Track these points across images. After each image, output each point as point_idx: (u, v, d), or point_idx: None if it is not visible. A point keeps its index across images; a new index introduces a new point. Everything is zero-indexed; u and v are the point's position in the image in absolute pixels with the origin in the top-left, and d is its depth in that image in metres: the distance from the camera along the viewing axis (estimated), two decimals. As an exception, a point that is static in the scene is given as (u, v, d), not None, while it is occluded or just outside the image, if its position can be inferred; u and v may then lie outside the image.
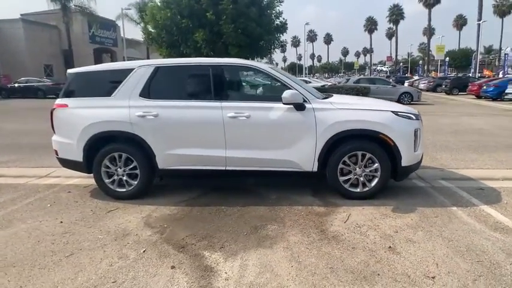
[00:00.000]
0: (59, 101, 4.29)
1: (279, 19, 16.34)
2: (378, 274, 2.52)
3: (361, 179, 3.98)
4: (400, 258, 2.73)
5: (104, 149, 4.12)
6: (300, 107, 3.88)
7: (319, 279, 2.48)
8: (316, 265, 2.66)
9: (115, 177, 4.19)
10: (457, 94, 25.02)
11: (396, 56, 72.11)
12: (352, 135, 3.90)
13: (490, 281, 2.40)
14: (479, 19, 38.39)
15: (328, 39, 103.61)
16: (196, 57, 16.66)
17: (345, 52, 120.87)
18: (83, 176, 5.05)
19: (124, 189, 4.20)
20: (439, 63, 52.31)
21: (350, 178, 3.99)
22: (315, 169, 3.98)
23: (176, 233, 3.28)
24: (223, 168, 4.08)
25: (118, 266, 2.72)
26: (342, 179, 3.99)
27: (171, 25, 15.13)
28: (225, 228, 3.36)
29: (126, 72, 4.18)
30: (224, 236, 3.21)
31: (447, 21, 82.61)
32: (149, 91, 4.11)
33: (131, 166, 4.14)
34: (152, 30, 16.77)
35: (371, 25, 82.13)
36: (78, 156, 4.17)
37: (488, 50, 76.54)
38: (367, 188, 3.99)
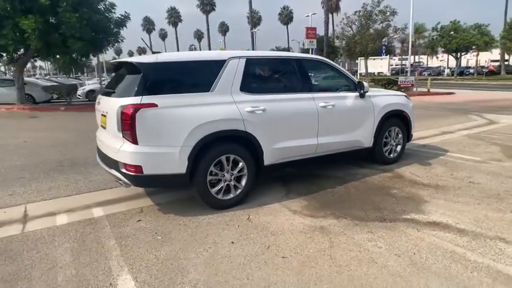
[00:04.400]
0: (136, 100, 3.19)
1: (112, 12, 14.78)
2: (498, 194, 3.90)
3: (394, 148, 5.26)
4: (489, 184, 4.21)
5: (210, 153, 3.51)
6: (363, 95, 4.70)
7: (484, 206, 3.59)
8: (468, 201, 3.74)
9: (222, 184, 3.64)
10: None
11: (179, 56, 76.36)
12: (391, 115, 5.08)
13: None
14: (251, 28, 46.82)
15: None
16: (18, 50, 13.00)
17: (118, 51, 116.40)
18: (89, 203, 4.04)
19: (231, 196, 3.72)
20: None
21: (388, 148, 5.19)
22: (371, 145, 4.92)
23: (353, 215, 3.51)
24: (313, 155, 4.35)
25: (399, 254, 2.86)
26: (384, 149, 5.13)
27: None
28: (368, 201, 3.85)
29: (218, 63, 3.67)
30: (378, 208, 3.73)
31: (215, 26, 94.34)
32: (247, 85, 3.80)
33: (239, 168, 3.72)
34: None
35: (149, 25, 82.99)
36: (180, 168, 3.36)
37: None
38: (396, 154, 5.31)
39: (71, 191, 4.43)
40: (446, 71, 47.46)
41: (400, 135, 5.29)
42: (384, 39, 22.18)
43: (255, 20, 78.70)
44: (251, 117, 3.68)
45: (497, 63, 44.07)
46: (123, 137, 3.26)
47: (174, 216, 3.57)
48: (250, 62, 3.87)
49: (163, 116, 3.27)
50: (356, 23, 17.99)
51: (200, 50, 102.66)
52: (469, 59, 49.36)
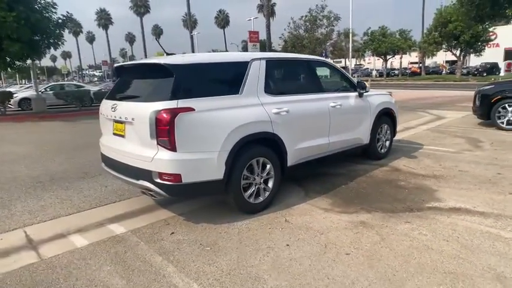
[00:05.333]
0: (172, 104, 2.98)
1: (53, 12, 13.50)
2: (489, 179, 4.40)
3: (384, 143, 5.62)
4: (476, 171, 4.72)
5: (244, 156, 3.42)
6: (362, 94, 4.96)
7: (485, 191, 4.04)
8: (469, 187, 4.17)
9: (253, 188, 3.58)
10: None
11: (111, 59, 72.07)
12: (382, 113, 5.42)
13: None
14: (190, 31, 46.03)
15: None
16: None
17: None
18: (100, 220, 3.78)
19: (261, 199, 3.68)
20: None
21: (380, 144, 5.53)
22: (368, 141, 5.21)
23: (382, 208, 3.69)
24: (324, 155, 4.48)
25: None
26: (377, 145, 5.46)
27: None
28: (386, 194, 4.09)
29: (243, 65, 3.62)
30: (398, 200, 3.98)
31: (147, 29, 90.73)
32: (270, 86, 3.80)
33: (267, 171, 3.69)
34: None
35: (75, 27, 76.97)
36: (218, 174, 3.23)
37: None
38: (386, 149, 5.69)
39: (70, 209, 3.98)
40: (374, 72, 51.69)
41: (388, 132, 5.68)
42: (328, 43, 23.71)
43: (222, 22, 77.54)
44: (277, 118, 3.67)
45: (416, 65, 49.25)
46: (158, 144, 3.03)
47: (207, 225, 3.41)
48: (269, 64, 3.86)
49: (201, 120, 3.12)
50: (302, 27, 18.95)
51: (132, 54, 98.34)
52: (392, 61, 54.36)
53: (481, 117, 8.18)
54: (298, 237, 3.08)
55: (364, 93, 5.02)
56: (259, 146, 3.58)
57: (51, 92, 17.17)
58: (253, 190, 3.58)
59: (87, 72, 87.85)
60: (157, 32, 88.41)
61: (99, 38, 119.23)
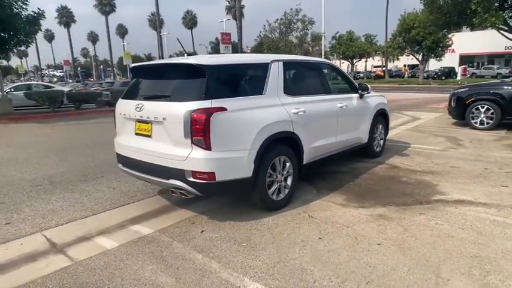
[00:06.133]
0: (206, 103, 3.04)
1: (24, 8, 12.84)
2: (480, 174, 4.82)
3: (379, 142, 5.94)
4: (467, 167, 5.12)
5: (269, 155, 3.54)
6: (362, 96, 5.23)
7: (480, 184, 4.42)
8: (465, 181, 4.54)
9: (275, 185, 3.70)
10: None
11: (73, 59, 68.92)
12: (378, 114, 5.73)
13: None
14: (159, 32, 45.09)
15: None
16: None
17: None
18: (120, 222, 3.70)
19: (282, 196, 3.80)
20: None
21: (375, 143, 5.84)
22: (367, 140, 5.49)
23: (394, 202, 3.94)
24: (332, 153, 4.68)
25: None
26: (373, 144, 5.77)
27: None
28: (393, 190, 4.36)
29: (265, 66, 3.74)
30: (406, 194, 4.27)
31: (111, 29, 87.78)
32: (287, 87, 3.93)
33: (287, 169, 3.83)
34: None
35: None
36: (247, 172, 3.32)
37: (149, 58, 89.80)
38: (380, 148, 6.01)
39: (84, 212, 3.88)
40: (341, 75, 53.45)
41: (382, 131, 6.01)
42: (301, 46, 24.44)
43: (190, 23, 75.91)
44: (296, 118, 3.82)
45: (379, 69, 51.50)
46: (193, 143, 3.07)
47: (234, 222, 3.48)
48: (286, 65, 4.00)
49: (233, 120, 3.19)
50: (277, 30, 19.38)
51: (95, 53, 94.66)
52: (356, 65, 56.54)
53: (456, 118, 8.81)
54: (327, 231, 3.24)
55: (365, 95, 5.29)
56: (281, 144, 3.71)
57: (18, 92, 16.21)
58: (276, 187, 3.69)
59: (46, 72, 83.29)
60: (122, 31, 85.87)
61: (59, 36, 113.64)
